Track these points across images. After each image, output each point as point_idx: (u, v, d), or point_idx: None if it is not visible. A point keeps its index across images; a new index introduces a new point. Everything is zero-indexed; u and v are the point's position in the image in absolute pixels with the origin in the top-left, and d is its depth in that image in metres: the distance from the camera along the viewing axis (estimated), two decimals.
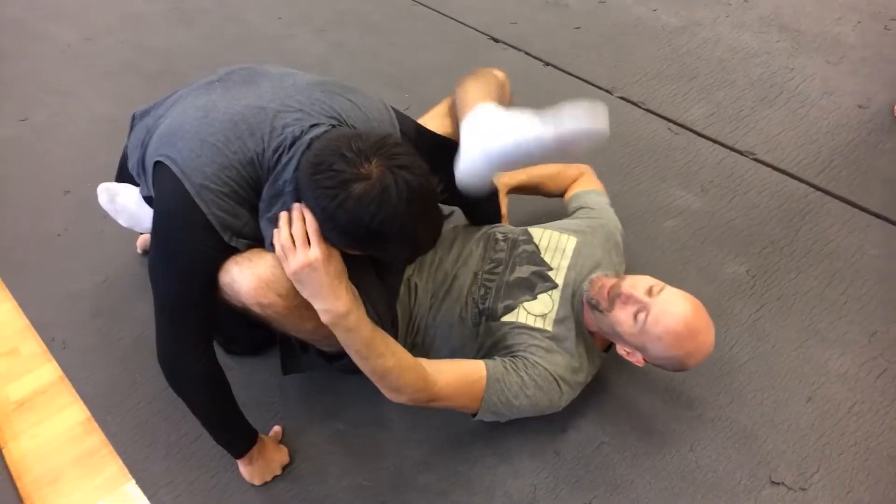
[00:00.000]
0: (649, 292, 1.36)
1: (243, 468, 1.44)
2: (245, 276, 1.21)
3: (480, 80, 1.51)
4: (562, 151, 1.28)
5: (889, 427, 1.51)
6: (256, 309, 1.25)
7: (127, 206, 1.66)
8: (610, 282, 1.41)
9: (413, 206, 1.12)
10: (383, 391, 1.31)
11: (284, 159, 1.21)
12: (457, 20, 2.91)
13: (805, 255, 1.88)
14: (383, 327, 1.31)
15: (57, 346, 1.74)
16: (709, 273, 1.84)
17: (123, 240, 1.93)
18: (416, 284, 1.52)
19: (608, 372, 1.60)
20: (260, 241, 1.26)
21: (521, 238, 1.58)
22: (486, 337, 1.48)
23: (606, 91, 2.49)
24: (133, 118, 1.46)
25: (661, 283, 1.39)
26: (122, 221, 1.71)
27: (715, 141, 2.26)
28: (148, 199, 1.41)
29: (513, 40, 2.77)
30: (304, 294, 1.20)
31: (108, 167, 1.66)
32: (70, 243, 1.98)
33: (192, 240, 1.21)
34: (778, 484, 1.42)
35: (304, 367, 1.52)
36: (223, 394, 1.36)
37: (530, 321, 1.45)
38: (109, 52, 2.80)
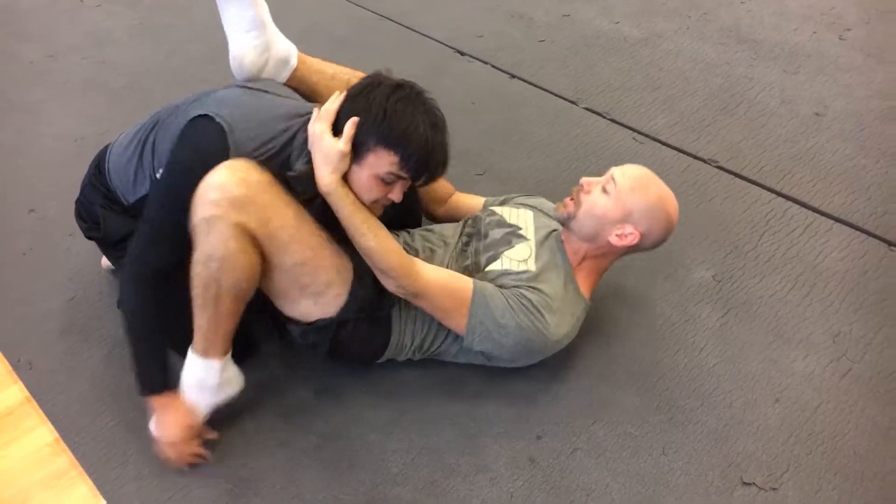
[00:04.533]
0: (604, 176, 1.55)
1: (153, 418, 1.46)
2: (215, 173, 1.28)
3: None
4: None
5: (855, 426, 1.55)
6: (234, 202, 1.27)
7: None
8: (569, 195, 1.58)
9: (441, 133, 1.38)
10: (376, 274, 1.44)
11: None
12: (423, 34, 2.94)
13: (769, 259, 1.93)
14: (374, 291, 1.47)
15: (23, 366, 1.71)
16: (676, 279, 1.87)
17: (90, 258, 1.90)
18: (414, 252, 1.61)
19: (580, 376, 1.63)
20: None
21: (484, 214, 1.69)
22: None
23: (572, 102, 2.53)
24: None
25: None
26: None
27: (679, 150, 2.31)
28: (140, 202, 1.47)
29: (479, 53, 2.80)
30: (316, 160, 1.37)
31: (74, 185, 1.65)
32: (35, 262, 1.94)
33: None
34: (749, 485, 1.45)
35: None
36: (170, 310, 1.40)
37: (514, 266, 1.53)
38: (73, 68, 2.77)
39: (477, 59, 2.78)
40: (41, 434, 1.59)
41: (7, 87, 2.67)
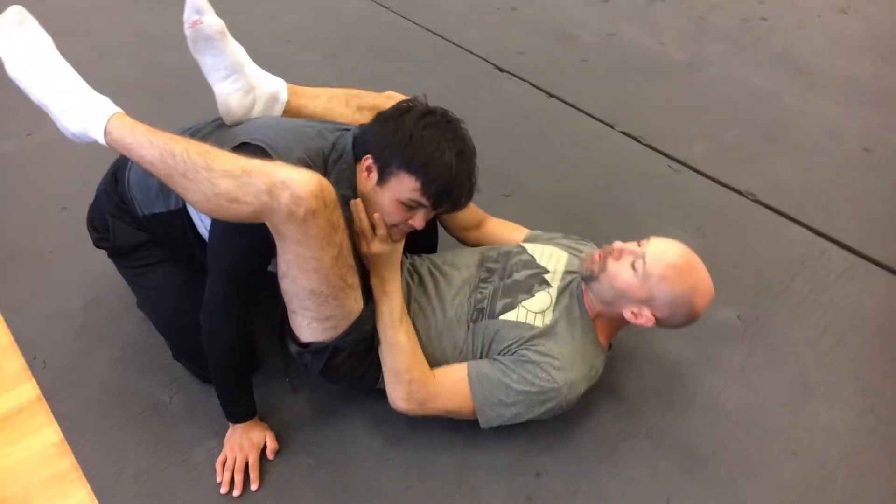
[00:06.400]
0: (638, 244, 1.43)
1: (228, 433, 1.52)
2: (305, 177, 1.20)
3: None
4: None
5: (876, 486, 1.45)
6: (298, 215, 1.20)
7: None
8: (599, 250, 1.47)
9: (467, 163, 1.35)
10: (387, 377, 1.44)
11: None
12: (465, 48, 2.92)
13: (800, 302, 1.83)
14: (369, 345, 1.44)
15: (38, 364, 1.74)
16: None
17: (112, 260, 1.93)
18: (410, 273, 1.59)
19: (589, 412, 1.57)
20: None
21: (515, 250, 1.62)
22: (479, 335, 1.49)
23: (608, 125, 2.47)
24: None
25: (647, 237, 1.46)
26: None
27: (715, 180, 2.22)
28: (155, 217, 1.49)
29: (518, 71, 2.77)
30: (370, 265, 1.42)
31: None
32: (60, 260, 1.99)
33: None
34: None
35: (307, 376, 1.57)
36: (242, 365, 1.48)
37: (529, 319, 1.47)
38: (121, 70, 2.84)
39: (516, 76, 2.75)
40: (48, 434, 1.62)
41: None
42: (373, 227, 1.41)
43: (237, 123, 1.54)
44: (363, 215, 1.40)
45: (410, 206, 1.36)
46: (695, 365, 1.68)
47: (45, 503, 1.49)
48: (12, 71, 1.33)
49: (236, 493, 1.46)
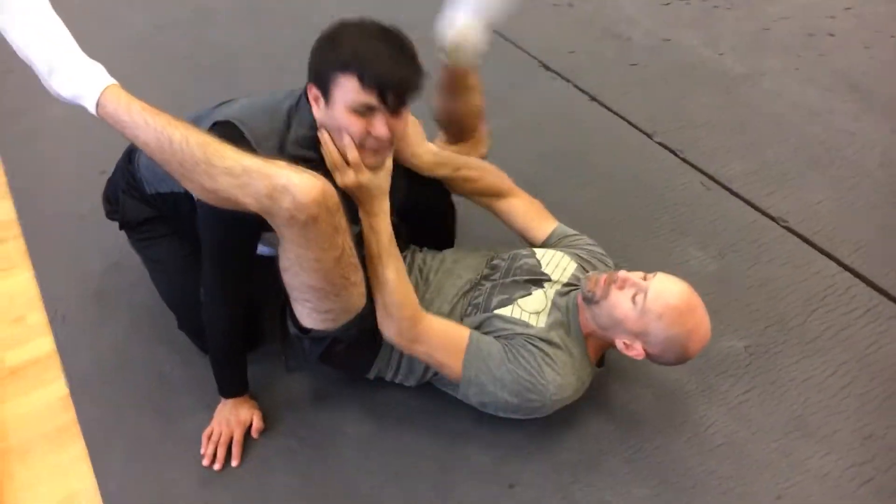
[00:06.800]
0: (644, 277, 1.42)
1: (219, 407, 1.57)
2: (307, 182, 1.17)
3: None
4: None
5: None
6: (300, 220, 1.20)
7: None
8: (605, 274, 1.46)
9: (398, 43, 1.26)
10: (379, 312, 1.43)
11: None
12: (514, 44, 2.88)
13: (814, 339, 1.76)
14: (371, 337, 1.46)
15: (58, 319, 1.83)
16: None
17: None
18: (420, 269, 1.61)
19: (574, 427, 1.56)
20: None
21: (524, 253, 1.63)
22: (469, 324, 1.50)
23: (647, 134, 2.41)
24: None
25: (654, 272, 1.44)
26: None
27: (748, 202, 2.15)
28: (161, 196, 1.54)
29: (565, 70, 2.72)
30: (357, 200, 1.39)
31: None
32: (91, 224, 2.07)
33: None
34: None
35: (304, 359, 1.56)
36: (237, 341, 1.51)
37: (524, 317, 1.48)
38: (173, 43, 2.92)
39: (561, 76, 2.70)
40: (57, 388, 1.71)
41: (108, 53, 2.84)
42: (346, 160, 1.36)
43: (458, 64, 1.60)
44: (331, 147, 1.34)
45: (363, 112, 1.27)
46: (691, 393, 1.64)
47: (45, 453, 1.57)
48: (1, 22, 1.25)
49: (217, 466, 1.51)
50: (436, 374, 1.55)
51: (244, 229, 1.34)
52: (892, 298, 1.86)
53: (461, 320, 1.52)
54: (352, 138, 1.30)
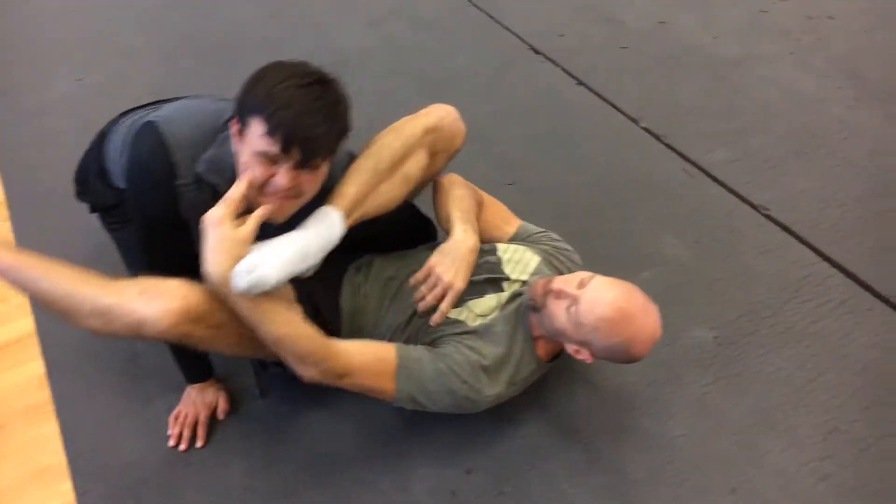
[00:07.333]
0: (580, 284, 1.36)
1: (186, 390, 1.60)
2: (159, 311, 1.21)
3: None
4: None
5: None
6: (172, 338, 1.28)
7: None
8: (543, 280, 1.42)
9: (316, 95, 1.20)
10: (291, 364, 1.32)
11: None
12: (504, 26, 2.86)
13: (786, 330, 1.75)
14: (332, 332, 1.38)
15: None
16: (670, 333, 1.72)
17: None
18: (366, 293, 1.55)
19: (532, 417, 1.57)
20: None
21: (486, 248, 1.58)
22: (417, 330, 1.49)
23: (632, 120, 2.38)
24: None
25: (593, 274, 1.39)
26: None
27: (729, 189, 2.12)
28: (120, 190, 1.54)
29: (554, 54, 2.69)
30: (207, 246, 1.22)
31: None
32: (78, 206, 2.09)
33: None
34: None
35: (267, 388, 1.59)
36: None
37: (468, 319, 1.46)
38: (178, 21, 2.92)
39: (550, 59, 2.68)
40: (35, 367, 1.74)
41: (113, 30, 2.85)
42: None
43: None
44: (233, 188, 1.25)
45: (268, 159, 1.21)
46: (654, 384, 1.64)
47: (19, 430, 1.61)
48: None
49: (182, 447, 1.54)
50: None
51: (166, 230, 1.37)
52: (869, 289, 1.84)
53: (407, 325, 1.49)
54: (252, 180, 1.23)
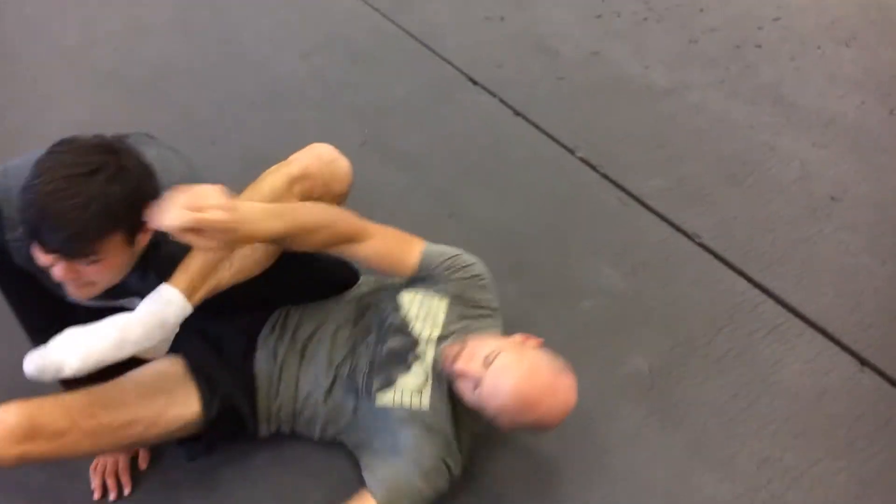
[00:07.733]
0: (485, 362, 1.30)
1: None
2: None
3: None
4: None
5: None
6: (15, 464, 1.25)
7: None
8: (454, 351, 1.36)
9: (64, 191, 1.11)
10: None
11: None
12: (442, 57, 2.85)
13: (718, 359, 1.76)
14: (242, 417, 1.46)
15: None
16: (604, 364, 1.73)
17: None
18: (283, 359, 1.50)
19: (473, 462, 1.52)
20: None
21: (391, 307, 1.51)
22: (366, 422, 1.45)
23: (569, 150, 2.39)
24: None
25: (500, 347, 1.32)
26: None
27: (663, 217, 2.14)
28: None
29: (491, 84, 2.69)
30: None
31: None
32: None
33: None
34: None
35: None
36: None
37: (410, 400, 1.40)
38: (105, 58, 2.81)
39: (487, 90, 2.67)
40: None
41: (39, 69, 2.74)
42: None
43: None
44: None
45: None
46: (587, 418, 1.60)
47: None
48: None
49: (112, 495, 1.47)
50: (338, 433, 1.51)
51: (11, 283, 1.38)
52: (799, 315, 1.86)
53: (352, 413, 1.46)
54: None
